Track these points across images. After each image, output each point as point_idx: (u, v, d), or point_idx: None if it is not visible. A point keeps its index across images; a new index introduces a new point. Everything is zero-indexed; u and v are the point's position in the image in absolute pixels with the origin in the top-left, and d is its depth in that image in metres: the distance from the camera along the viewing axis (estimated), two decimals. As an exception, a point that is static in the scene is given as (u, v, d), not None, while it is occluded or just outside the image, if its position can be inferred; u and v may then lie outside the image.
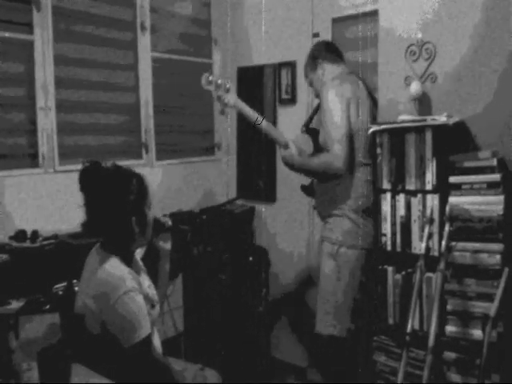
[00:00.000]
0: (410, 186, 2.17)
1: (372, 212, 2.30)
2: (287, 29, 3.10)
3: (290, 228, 3.19)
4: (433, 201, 2.10)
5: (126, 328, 1.55)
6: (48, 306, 1.98)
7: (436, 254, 2.08)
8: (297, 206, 3.11)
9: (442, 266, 1.98)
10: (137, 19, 2.94)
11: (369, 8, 2.64)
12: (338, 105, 2.24)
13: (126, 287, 1.56)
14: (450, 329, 2.02)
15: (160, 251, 1.97)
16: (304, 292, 3.09)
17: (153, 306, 1.75)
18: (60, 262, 2.17)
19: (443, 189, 2.07)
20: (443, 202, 2.06)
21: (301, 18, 3.01)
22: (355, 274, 2.32)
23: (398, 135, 2.19)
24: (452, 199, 2.02)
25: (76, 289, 1.95)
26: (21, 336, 1.79)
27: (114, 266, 1.62)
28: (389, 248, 2.23)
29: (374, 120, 2.41)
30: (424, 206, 2.13)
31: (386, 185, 2.24)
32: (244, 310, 2.99)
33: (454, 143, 2.11)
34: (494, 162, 1.98)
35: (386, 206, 2.23)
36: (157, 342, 1.81)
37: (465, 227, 1.99)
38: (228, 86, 2.40)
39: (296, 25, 3.04)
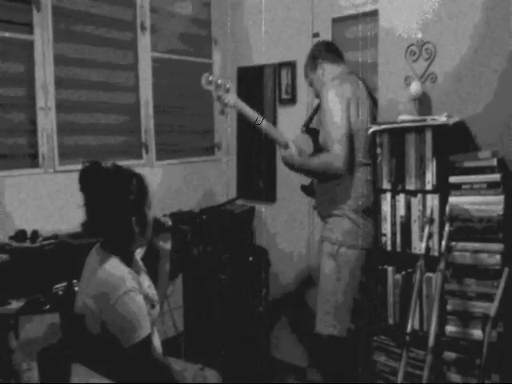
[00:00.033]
0: (410, 186, 2.17)
1: (372, 212, 2.30)
2: (287, 29, 3.10)
3: (290, 228, 3.19)
4: (433, 201, 2.10)
5: (125, 328, 1.55)
6: (48, 306, 1.98)
7: (436, 254, 2.08)
8: (297, 206, 3.11)
9: (441, 266, 1.98)
10: (137, 19, 2.94)
11: (369, 8, 2.64)
12: (338, 105, 2.24)
13: (126, 287, 1.56)
14: (450, 329, 2.02)
15: (160, 251, 1.97)
16: (304, 292, 3.09)
17: (153, 306, 1.75)
18: (60, 262, 2.17)
19: (443, 189, 2.07)
20: (443, 202, 2.06)
21: (301, 17, 3.01)
22: (355, 274, 2.32)
23: (398, 135, 2.19)
24: (452, 199, 2.02)
25: (76, 289, 1.95)
26: (21, 336, 1.79)
27: (114, 266, 1.62)
28: (389, 248, 2.23)
29: (374, 120, 2.41)
30: (424, 206, 2.13)
31: (386, 185, 2.24)
32: (244, 310, 2.99)
33: (454, 143, 2.11)
34: (494, 162, 1.98)
35: (386, 206, 2.23)
36: (157, 342, 1.81)
37: (465, 227, 1.99)
38: (228, 85, 2.40)
39: (296, 25, 3.04)
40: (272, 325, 3.21)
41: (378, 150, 2.24)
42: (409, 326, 2.00)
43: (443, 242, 1.99)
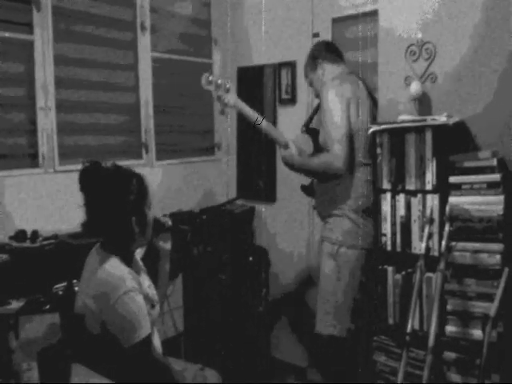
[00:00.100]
0: (410, 186, 2.17)
1: (372, 212, 2.30)
2: (287, 29, 3.10)
3: (290, 228, 3.19)
4: (433, 201, 2.10)
5: (125, 328, 1.55)
6: (48, 306, 1.98)
7: (436, 254, 2.08)
8: (297, 206, 3.11)
9: (441, 265, 1.98)
10: (137, 19, 2.94)
11: (369, 8, 2.64)
12: (338, 105, 2.24)
13: (126, 287, 1.56)
14: (450, 329, 2.02)
15: (160, 251, 1.97)
16: (304, 292, 3.08)
17: (153, 306, 1.75)
18: (60, 262, 2.17)
19: (443, 189, 2.07)
20: (443, 202, 2.06)
21: (301, 17, 3.01)
22: (355, 274, 2.32)
23: (398, 135, 2.19)
24: (452, 199, 2.02)
25: (76, 289, 1.95)
26: (21, 336, 1.79)
27: (114, 266, 1.62)
28: (389, 248, 2.23)
29: (374, 120, 2.41)
30: (424, 206, 2.13)
31: (386, 185, 2.24)
32: (244, 310, 2.99)
33: (454, 143, 2.11)
34: (494, 162, 1.98)
35: (386, 206, 2.23)
36: (157, 342, 1.81)
37: (465, 227, 1.99)
38: (228, 85, 2.41)
39: (296, 25, 3.04)
40: (272, 325, 3.21)
41: (378, 150, 2.24)
42: (409, 326, 2.00)
43: (443, 242, 1.99)
